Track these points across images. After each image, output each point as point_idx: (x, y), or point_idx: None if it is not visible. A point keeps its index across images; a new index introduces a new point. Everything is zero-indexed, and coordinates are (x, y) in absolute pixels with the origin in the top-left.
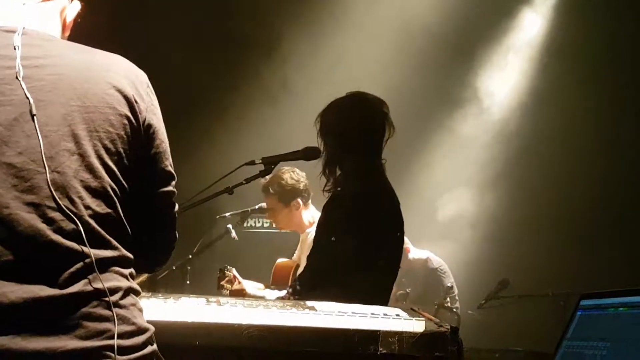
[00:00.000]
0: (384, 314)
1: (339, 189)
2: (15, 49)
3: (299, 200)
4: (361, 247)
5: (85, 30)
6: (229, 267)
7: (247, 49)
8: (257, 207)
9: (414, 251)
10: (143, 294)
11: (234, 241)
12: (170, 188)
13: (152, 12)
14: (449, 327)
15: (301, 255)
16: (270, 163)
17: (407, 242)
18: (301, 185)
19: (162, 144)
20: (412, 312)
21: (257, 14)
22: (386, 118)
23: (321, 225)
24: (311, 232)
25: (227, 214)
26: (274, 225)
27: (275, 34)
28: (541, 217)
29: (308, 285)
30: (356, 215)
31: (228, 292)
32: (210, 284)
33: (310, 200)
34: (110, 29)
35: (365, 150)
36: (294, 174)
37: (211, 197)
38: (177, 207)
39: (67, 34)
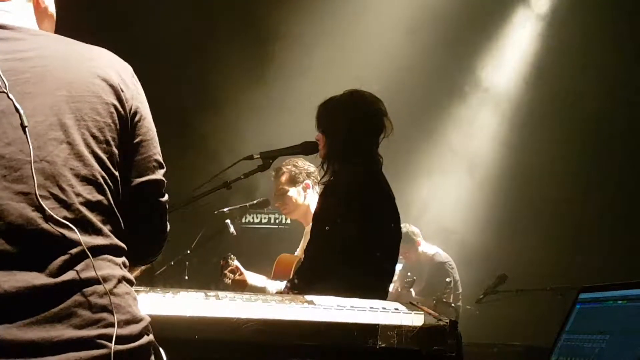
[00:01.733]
0: (383, 308)
1: (334, 179)
2: None
3: (309, 182)
4: (356, 235)
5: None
6: (232, 255)
7: (247, 40)
8: (255, 202)
9: (423, 245)
10: (141, 288)
11: (233, 236)
12: (158, 176)
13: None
14: (448, 321)
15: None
16: (269, 158)
17: (419, 235)
18: (311, 169)
19: (149, 132)
20: (411, 306)
21: (257, 3)
22: (385, 116)
23: (316, 214)
24: None
25: (225, 209)
26: (272, 221)
27: (276, 22)
28: (540, 211)
29: (306, 278)
30: (350, 203)
31: (230, 281)
32: (209, 279)
33: (318, 192)
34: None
35: (363, 147)
36: (305, 161)
37: (209, 192)
38: (166, 197)
39: (43, 11)
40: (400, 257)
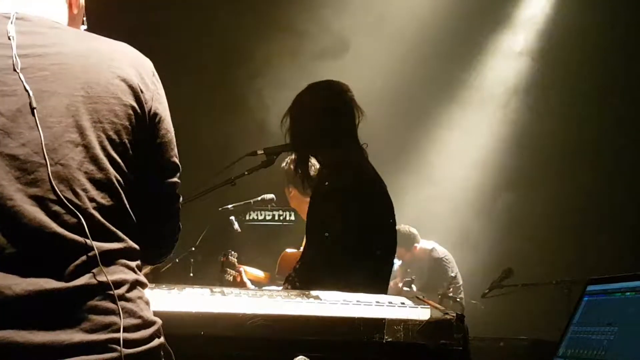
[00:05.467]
0: (389, 303)
1: (326, 183)
2: (10, 38)
3: None
4: (357, 239)
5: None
6: (232, 252)
7: (243, 41)
8: (259, 198)
9: (421, 245)
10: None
11: (237, 233)
12: (174, 179)
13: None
14: (454, 315)
15: None
16: (272, 154)
17: (417, 238)
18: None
19: (167, 134)
20: (417, 300)
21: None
22: (354, 102)
23: (313, 221)
24: None
25: (229, 206)
26: (276, 218)
27: (276, 24)
28: (545, 205)
29: (306, 282)
30: (348, 208)
31: (231, 277)
32: (214, 276)
33: None
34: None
35: (343, 139)
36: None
37: (213, 188)
38: (181, 198)
39: (76, 11)
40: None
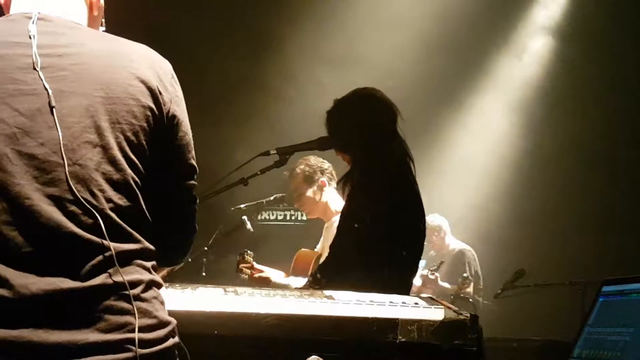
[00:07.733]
0: (403, 303)
1: (364, 179)
2: (30, 37)
3: (324, 179)
4: (385, 236)
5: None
6: (249, 252)
7: (260, 40)
8: (272, 198)
9: (450, 236)
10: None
11: (249, 233)
12: (191, 181)
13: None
14: (468, 315)
15: (325, 244)
16: (285, 153)
17: (447, 226)
18: (325, 166)
19: (185, 136)
20: (431, 301)
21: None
22: (392, 105)
23: (345, 213)
24: (336, 220)
25: (242, 206)
26: (288, 217)
27: (288, 22)
28: (558, 204)
29: (329, 274)
30: (381, 204)
31: (247, 276)
32: (226, 276)
33: (335, 187)
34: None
35: (384, 143)
36: (318, 158)
37: (226, 188)
38: (197, 200)
39: (96, 13)
40: (426, 244)
